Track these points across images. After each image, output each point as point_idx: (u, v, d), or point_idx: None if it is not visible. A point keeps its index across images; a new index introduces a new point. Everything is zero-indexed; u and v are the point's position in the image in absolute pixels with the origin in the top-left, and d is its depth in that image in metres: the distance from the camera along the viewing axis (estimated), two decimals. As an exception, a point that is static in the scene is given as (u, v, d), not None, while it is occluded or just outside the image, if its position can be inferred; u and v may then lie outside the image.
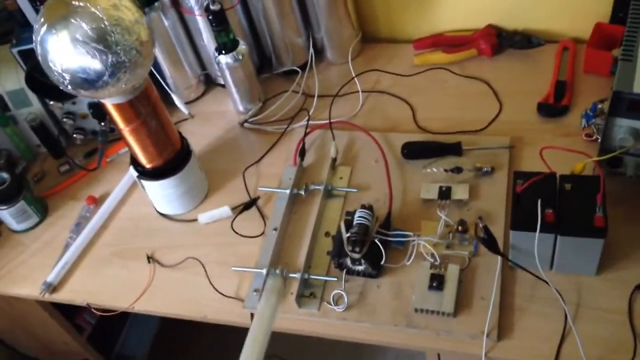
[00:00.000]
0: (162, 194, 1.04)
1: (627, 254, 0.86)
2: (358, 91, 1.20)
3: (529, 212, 0.80)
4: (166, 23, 1.17)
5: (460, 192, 0.97)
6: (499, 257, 0.86)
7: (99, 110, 1.15)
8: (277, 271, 0.92)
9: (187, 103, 1.25)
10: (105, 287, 1.01)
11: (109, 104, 0.91)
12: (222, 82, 1.23)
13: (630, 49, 0.83)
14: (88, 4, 0.80)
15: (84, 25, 0.79)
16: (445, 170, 1.00)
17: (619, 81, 0.80)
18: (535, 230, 0.79)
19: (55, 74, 0.82)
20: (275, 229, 0.99)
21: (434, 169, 1.01)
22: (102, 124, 1.14)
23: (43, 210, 1.14)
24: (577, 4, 1.14)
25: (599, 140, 0.88)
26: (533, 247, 0.80)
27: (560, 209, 0.80)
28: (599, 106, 0.98)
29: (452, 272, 0.87)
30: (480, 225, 0.87)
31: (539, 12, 1.18)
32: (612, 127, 0.84)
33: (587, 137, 1.00)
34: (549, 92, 1.09)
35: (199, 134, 1.20)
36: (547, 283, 0.82)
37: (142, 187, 1.05)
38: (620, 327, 0.80)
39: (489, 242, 0.86)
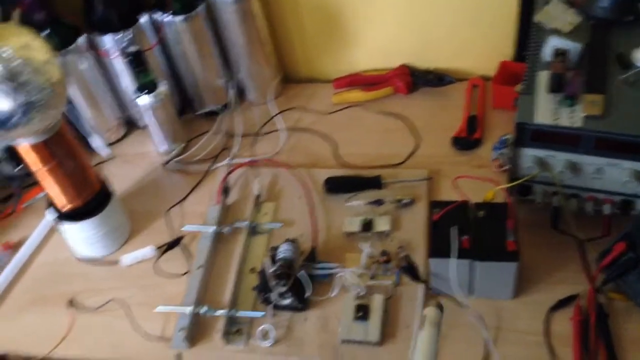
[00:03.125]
0: (82, 237, 1.02)
1: (540, 277, 0.90)
2: (280, 129, 1.22)
3: (445, 239, 0.83)
4: (83, 66, 1.16)
5: (382, 224, 0.99)
6: (421, 285, 0.89)
7: (14, 154, 1.11)
8: (204, 309, 0.91)
9: (108, 145, 1.23)
10: (23, 335, 0.97)
11: (23, 145, 0.89)
12: (144, 124, 1.23)
13: (530, 83, 0.89)
14: (-3, 44, 0.79)
15: (-7, 65, 0.78)
16: (367, 203, 1.03)
17: (520, 113, 0.85)
18: (450, 257, 0.82)
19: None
20: (200, 267, 0.98)
21: (356, 203, 1.04)
22: (18, 168, 1.10)
23: (-46, 259, 1.09)
24: (482, 45, 1.22)
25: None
26: (450, 273, 0.83)
27: (475, 235, 0.83)
28: (507, 137, 1.04)
29: (376, 302, 0.89)
30: (402, 254, 0.90)
31: (447, 52, 1.25)
32: (518, 157, 0.89)
33: (499, 167, 1.05)
34: (461, 126, 1.15)
35: (121, 176, 1.18)
36: (466, 308, 0.85)
37: (61, 230, 1.02)
38: (538, 348, 0.83)
39: (410, 270, 0.89)
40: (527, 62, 0.93)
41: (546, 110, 0.85)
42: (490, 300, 0.88)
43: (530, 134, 0.85)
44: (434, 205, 0.88)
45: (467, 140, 1.12)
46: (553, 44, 0.90)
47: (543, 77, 0.89)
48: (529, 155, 0.88)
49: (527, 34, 0.99)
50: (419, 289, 0.89)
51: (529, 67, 0.91)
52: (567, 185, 0.89)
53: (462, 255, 0.82)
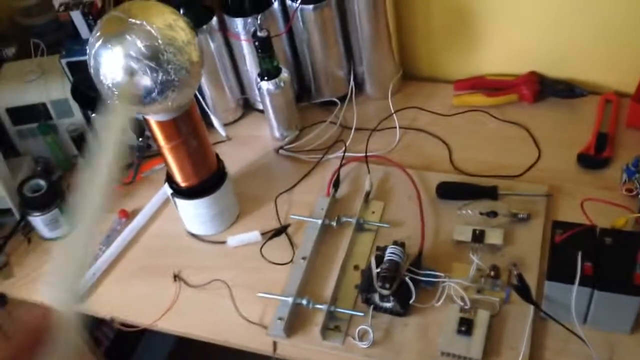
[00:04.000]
0: (194, 214, 1.05)
1: (662, 315, 0.84)
2: (395, 127, 1.20)
3: (567, 263, 0.79)
4: (212, 46, 1.18)
5: (494, 237, 0.95)
6: (532, 307, 0.85)
7: (137, 126, 1.16)
8: (305, 301, 0.91)
9: (224, 125, 1.26)
10: (130, 302, 1.01)
11: (153, 120, 0.92)
12: (261, 108, 1.24)
13: (680, 107, 0.82)
14: (144, 22, 0.81)
15: (138, 42, 0.81)
16: (480, 214, 0.99)
17: (668, 138, 0.79)
18: (571, 283, 0.78)
19: (106, 87, 0.84)
20: (304, 258, 0.98)
21: (469, 211, 1.00)
22: (140, 139, 1.15)
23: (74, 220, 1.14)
24: (621, 59, 1.14)
25: (641, 196, 0.87)
26: (568, 299, 0.78)
27: (599, 263, 0.78)
28: (644, 161, 0.97)
29: (482, 318, 0.86)
30: (515, 272, 0.86)
31: (582, 63, 1.18)
32: (656, 184, 0.83)
33: (628, 192, 0.98)
34: (589, 143, 1.08)
35: (234, 157, 1.19)
36: (581, 339, 0.80)
37: (175, 205, 1.05)
38: (652, 390, 0.78)
39: (523, 290, 0.84)
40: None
41: (696, 137, 0.78)
42: (603, 332, 0.83)
43: (673, 161, 0.79)
44: (557, 225, 0.83)
45: (594, 159, 1.05)
46: None
47: (695, 101, 0.82)
48: (669, 183, 0.82)
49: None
50: (529, 311, 0.85)
51: (680, 89, 0.84)
52: None
53: (583, 282, 0.77)
